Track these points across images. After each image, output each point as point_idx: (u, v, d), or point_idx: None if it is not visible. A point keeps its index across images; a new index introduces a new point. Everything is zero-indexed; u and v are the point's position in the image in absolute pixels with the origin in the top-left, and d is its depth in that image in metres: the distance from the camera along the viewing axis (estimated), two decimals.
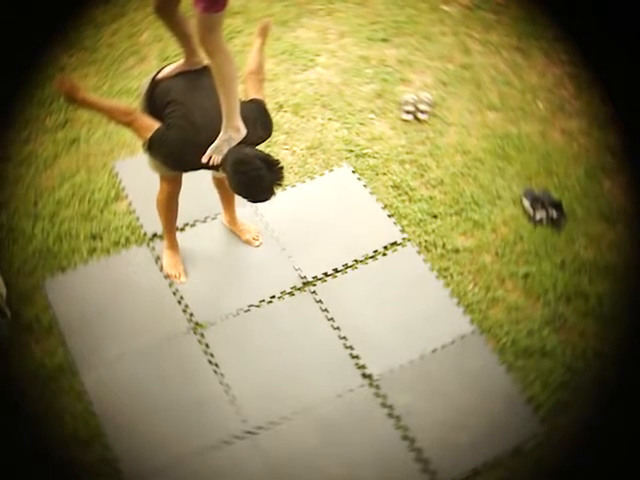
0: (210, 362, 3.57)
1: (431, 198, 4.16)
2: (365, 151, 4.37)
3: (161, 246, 3.93)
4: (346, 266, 3.90)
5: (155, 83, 3.34)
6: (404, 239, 4.00)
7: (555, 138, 4.46)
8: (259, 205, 4.06)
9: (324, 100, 4.64)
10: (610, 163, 4.32)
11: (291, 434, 3.35)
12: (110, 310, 3.73)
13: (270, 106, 4.54)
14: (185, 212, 4.07)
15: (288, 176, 4.24)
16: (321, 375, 3.54)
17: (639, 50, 4.08)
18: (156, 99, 3.31)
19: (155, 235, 4.00)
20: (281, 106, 4.59)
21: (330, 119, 4.54)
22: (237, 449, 3.33)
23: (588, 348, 3.60)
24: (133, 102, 4.58)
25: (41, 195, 4.15)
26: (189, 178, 4.26)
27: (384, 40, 5.00)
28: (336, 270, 3.88)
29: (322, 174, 4.27)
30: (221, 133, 3.12)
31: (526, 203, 4.09)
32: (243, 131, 3.16)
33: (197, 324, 3.69)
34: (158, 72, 3.37)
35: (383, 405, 3.44)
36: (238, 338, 3.64)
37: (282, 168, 3.08)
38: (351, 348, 3.62)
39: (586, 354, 3.59)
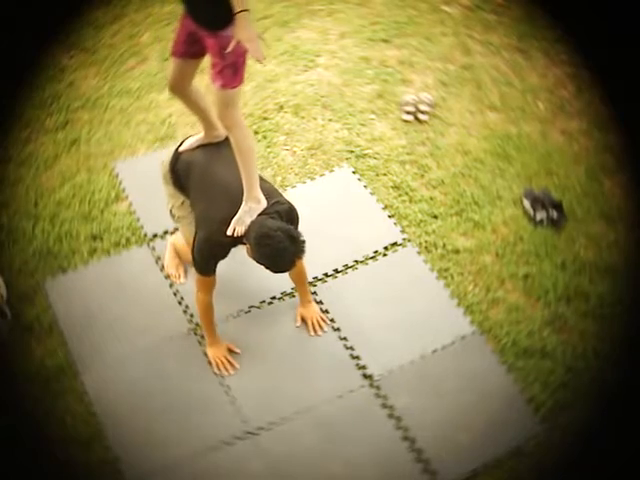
0: (211, 363, 3.57)
1: (431, 199, 4.16)
2: (365, 152, 4.37)
3: (162, 246, 3.93)
4: (346, 267, 3.90)
5: (177, 155, 3.43)
6: (404, 239, 4.00)
7: (555, 138, 4.46)
8: None
9: (324, 101, 4.64)
10: (610, 163, 4.32)
11: (292, 434, 3.35)
12: (111, 311, 3.73)
13: (270, 107, 4.58)
14: None
15: (288, 177, 4.25)
16: (322, 375, 3.54)
17: (639, 50, 4.08)
18: (179, 171, 3.41)
19: (155, 235, 4.01)
20: (281, 107, 4.59)
21: (330, 120, 4.54)
22: (238, 449, 3.33)
23: (588, 348, 3.60)
24: (133, 103, 4.61)
25: (41, 196, 4.16)
26: None
27: (385, 41, 5.00)
28: (336, 270, 3.88)
29: (322, 175, 4.28)
30: (242, 205, 3.20)
31: (526, 203, 4.09)
32: (263, 202, 3.23)
33: (198, 325, 3.69)
34: (180, 144, 3.46)
35: (383, 405, 3.44)
36: (238, 339, 3.64)
37: (304, 241, 3.13)
38: (352, 349, 3.62)
39: (586, 354, 3.58)
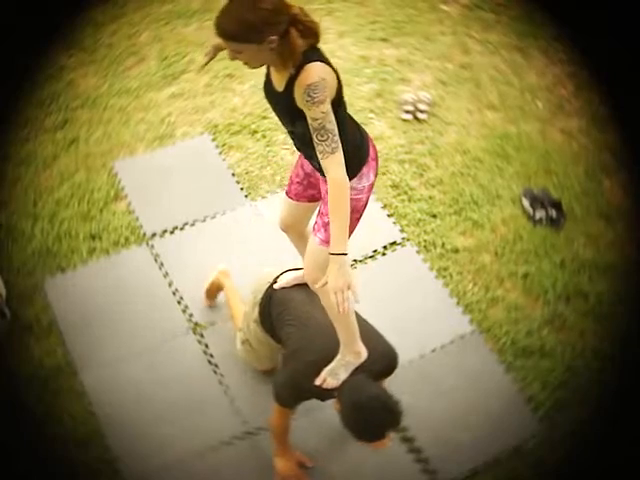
0: (210, 362, 3.57)
1: (430, 198, 4.16)
2: None
3: (161, 246, 3.93)
4: None
5: (271, 292, 3.13)
6: (403, 239, 4.00)
7: (554, 137, 4.46)
8: (259, 205, 4.07)
9: None
10: (609, 162, 4.32)
11: (291, 435, 3.34)
12: (110, 310, 3.73)
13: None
14: (184, 212, 4.08)
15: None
16: None
17: (639, 50, 4.08)
18: (272, 308, 3.10)
19: (154, 235, 4.00)
20: None
21: None
22: (237, 450, 3.32)
23: (587, 348, 3.60)
24: (132, 102, 4.60)
25: (40, 195, 4.15)
26: (184, 180, 4.27)
27: (383, 40, 5.00)
28: None
29: None
30: (338, 356, 2.83)
31: (525, 203, 4.09)
32: (364, 355, 2.87)
33: (197, 324, 3.69)
34: (275, 280, 3.14)
35: None
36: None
37: (401, 413, 2.73)
38: None
39: (585, 354, 3.59)
